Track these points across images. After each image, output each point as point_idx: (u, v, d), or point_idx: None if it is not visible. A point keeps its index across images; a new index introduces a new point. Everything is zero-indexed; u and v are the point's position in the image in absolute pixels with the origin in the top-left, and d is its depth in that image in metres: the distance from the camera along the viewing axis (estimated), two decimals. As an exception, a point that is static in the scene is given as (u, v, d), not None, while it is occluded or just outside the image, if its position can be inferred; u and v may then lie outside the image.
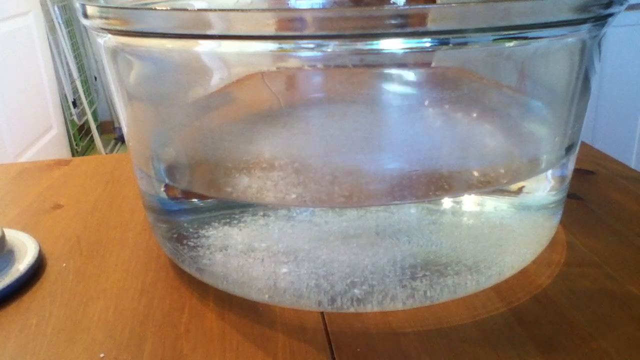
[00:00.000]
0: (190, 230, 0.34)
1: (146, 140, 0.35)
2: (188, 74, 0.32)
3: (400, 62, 0.29)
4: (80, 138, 2.27)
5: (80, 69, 2.31)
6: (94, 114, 2.34)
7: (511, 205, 0.34)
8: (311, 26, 0.25)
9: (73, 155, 2.10)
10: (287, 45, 0.26)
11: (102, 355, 0.29)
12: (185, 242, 0.34)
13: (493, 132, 0.35)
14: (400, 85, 0.34)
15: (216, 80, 0.32)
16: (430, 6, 0.25)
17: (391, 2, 0.47)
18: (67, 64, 2.17)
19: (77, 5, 0.30)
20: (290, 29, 0.25)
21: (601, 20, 0.29)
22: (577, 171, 0.48)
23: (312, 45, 0.26)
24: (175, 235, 0.35)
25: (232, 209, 0.33)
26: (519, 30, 0.27)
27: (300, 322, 0.31)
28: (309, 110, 0.32)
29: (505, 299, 0.32)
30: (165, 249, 0.37)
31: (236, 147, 0.33)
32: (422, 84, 0.34)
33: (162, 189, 0.35)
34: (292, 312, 0.31)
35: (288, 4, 0.51)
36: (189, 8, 0.45)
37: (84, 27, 0.34)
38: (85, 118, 2.26)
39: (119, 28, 0.29)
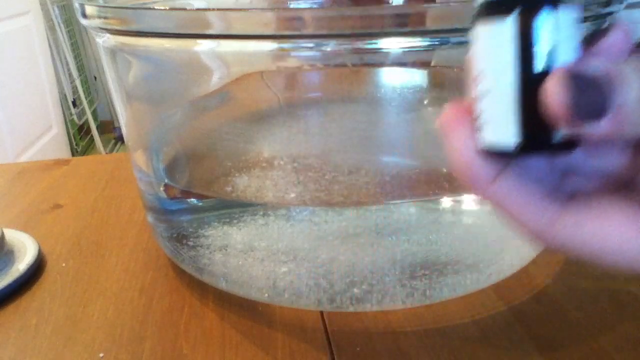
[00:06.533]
0: (190, 229, 0.34)
1: (145, 139, 0.35)
2: (187, 74, 0.32)
3: (400, 61, 0.29)
4: (80, 138, 2.27)
5: (80, 68, 2.31)
6: (94, 114, 2.34)
7: (511, 204, 0.34)
8: (310, 25, 0.25)
9: (73, 155, 2.10)
10: (287, 44, 0.26)
11: (101, 355, 0.29)
12: (184, 241, 0.34)
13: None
14: (399, 84, 0.34)
15: (215, 79, 0.32)
16: (429, 5, 0.25)
17: (390, 1, 0.47)
18: (67, 63, 2.17)
19: (76, 5, 0.30)
20: (289, 28, 0.25)
21: (600, 19, 0.29)
22: (576, 170, 0.48)
23: (311, 45, 0.26)
24: (174, 235, 0.35)
25: (232, 208, 0.33)
26: (518, 29, 0.27)
27: (300, 321, 0.31)
28: (308, 109, 0.32)
29: (505, 298, 0.32)
30: (164, 249, 0.37)
31: (235, 146, 0.33)
32: (422, 83, 0.34)
33: (162, 188, 0.35)
34: (292, 312, 0.31)
35: (287, 3, 0.51)
36: (187, 8, 0.45)
37: (84, 26, 0.34)
38: (85, 118, 2.25)
39: (117, 28, 0.29)
